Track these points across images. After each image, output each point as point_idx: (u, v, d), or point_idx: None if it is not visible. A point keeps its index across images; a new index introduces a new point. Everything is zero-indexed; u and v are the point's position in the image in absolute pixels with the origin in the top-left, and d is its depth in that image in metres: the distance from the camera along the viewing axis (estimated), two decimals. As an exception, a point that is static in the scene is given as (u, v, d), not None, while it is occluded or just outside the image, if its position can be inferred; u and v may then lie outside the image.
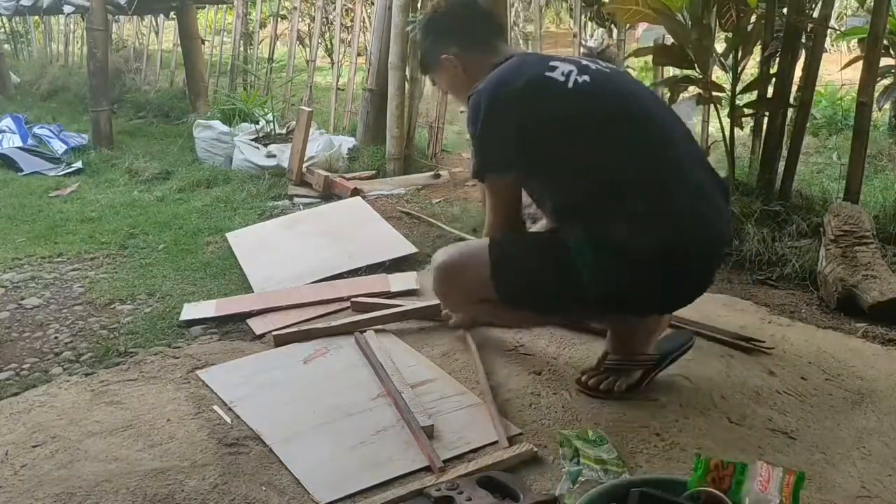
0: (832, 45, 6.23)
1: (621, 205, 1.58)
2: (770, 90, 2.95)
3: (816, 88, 3.23)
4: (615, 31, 5.69)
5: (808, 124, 3.34)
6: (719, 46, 3.00)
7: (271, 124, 4.61)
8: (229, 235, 3.12)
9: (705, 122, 3.77)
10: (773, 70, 2.98)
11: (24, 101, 7.09)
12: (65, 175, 4.45)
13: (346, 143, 4.42)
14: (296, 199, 3.78)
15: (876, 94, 3.12)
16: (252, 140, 4.45)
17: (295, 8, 5.83)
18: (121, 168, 4.48)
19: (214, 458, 1.57)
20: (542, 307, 1.77)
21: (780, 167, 2.94)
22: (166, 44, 8.12)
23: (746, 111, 3.05)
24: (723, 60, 2.93)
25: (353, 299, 2.36)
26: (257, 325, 2.27)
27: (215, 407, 1.78)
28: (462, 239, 2.98)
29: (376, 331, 2.15)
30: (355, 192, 3.67)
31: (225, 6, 6.62)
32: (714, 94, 2.97)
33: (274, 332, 2.15)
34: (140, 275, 2.76)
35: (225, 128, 4.65)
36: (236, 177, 4.16)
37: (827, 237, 2.46)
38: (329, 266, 2.71)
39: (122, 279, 2.72)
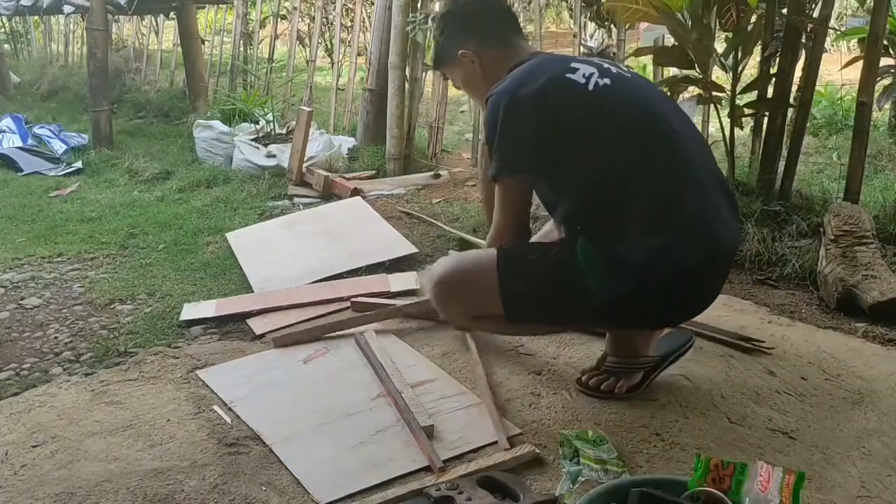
0: (832, 45, 6.23)
1: (633, 218, 1.56)
2: (770, 90, 2.95)
3: (816, 88, 3.23)
4: (615, 31, 5.69)
5: (808, 124, 3.34)
6: (719, 46, 3.00)
7: (271, 124, 4.61)
8: (229, 235, 3.12)
9: (705, 122, 3.77)
10: (773, 70, 2.98)
11: (24, 101, 7.09)
12: (65, 175, 4.45)
13: (346, 143, 4.42)
14: (296, 199, 3.78)
15: (876, 94, 3.12)
16: (252, 140, 4.45)
17: (295, 8, 5.83)
18: (121, 168, 4.48)
19: (214, 458, 1.57)
20: (549, 321, 1.74)
21: (780, 167, 2.94)
22: (166, 44, 8.12)
23: (746, 111, 3.05)
24: (723, 60, 2.93)
25: (353, 299, 2.36)
26: (257, 325, 2.27)
27: (215, 407, 1.78)
28: (462, 239, 2.98)
29: (376, 331, 2.15)
30: (355, 192, 3.67)
31: (225, 6, 6.62)
32: (714, 94, 2.97)
33: (273, 335, 2.15)
34: (140, 275, 2.76)
35: (225, 128, 4.65)
36: (236, 177, 4.16)
37: (827, 237, 2.46)
38: (329, 266, 2.71)
39: (122, 279, 2.72)
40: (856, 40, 4.64)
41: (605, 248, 1.56)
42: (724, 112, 3.01)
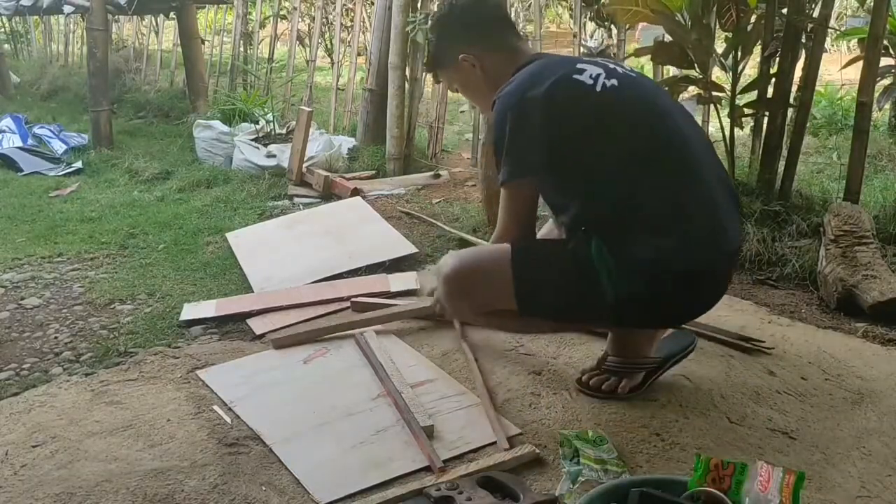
0: (832, 45, 6.24)
1: (642, 219, 1.55)
2: (770, 90, 2.95)
3: (816, 88, 3.23)
4: (615, 31, 5.69)
5: (808, 124, 3.34)
6: (719, 46, 3.00)
7: (271, 124, 4.61)
8: (229, 235, 3.12)
9: (705, 122, 3.77)
10: (773, 70, 2.98)
11: (24, 101, 7.09)
12: (65, 175, 4.45)
13: (346, 143, 4.42)
14: (296, 199, 3.78)
15: (876, 94, 3.12)
16: (252, 140, 4.45)
17: (295, 8, 5.83)
18: (121, 168, 4.48)
19: (214, 458, 1.57)
20: (560, 318, 1.73)
21: (780, 167, 2.94)
22: (166, 44, 8.12)
23: (746, 111, 3.05)
24: (723, 60, 2.93)
25: (353, 299, 2.36)
26: (257, 325, 2.27)
27: (215, 407, 1.78)
28: (463, 239, 2.98)
29: (376, 331, 2.15)
30: (355, 192, 3.67)
31: (225, 6, 6.62)
32: (714, 94, 2.97)
33: (272, 336, 2.14)
34: (140, 275, 2.76)
35: (225, 128, 4.65)
36: (236, 177, 4.16)
37: (827, 237, 2.46)
38: (329, 266, 2.71)
39: (122, 279, 2.72)
40: (856, 40, 4.64)
41: (616, 248, 1.56)
42: (724, 112, 3.01)
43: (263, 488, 1.48)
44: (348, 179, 3.88)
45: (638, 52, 3.35)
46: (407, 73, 4.11)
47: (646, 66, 5.54)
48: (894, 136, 4.56)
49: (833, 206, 2.57)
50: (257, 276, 2.69)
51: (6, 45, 9.30)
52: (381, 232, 3.05)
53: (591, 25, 6.97)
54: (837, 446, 1.60)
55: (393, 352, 2.03)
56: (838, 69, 4.52)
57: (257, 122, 4.68)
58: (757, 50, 3.00)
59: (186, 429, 1.69)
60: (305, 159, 4.04)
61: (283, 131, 4.57)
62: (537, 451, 1.56)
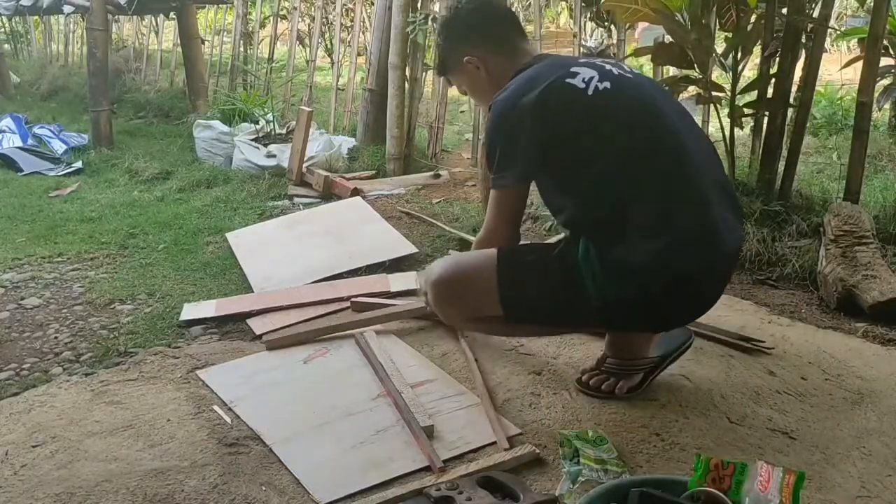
0: (832, 45, 6.23)
1: (635, 222, 1.55)
2: (770, 90, 2.95)
3: (816, 88, 3.23)
4: (615, 31, 5.69)
5: (808, 124, 3.34)
6: (719, 46, 3.00)
7: (271, 124, 4.61)
8: (229, 235, 3.12)
9: (705, 122, 3.77)
10: (773, 70, 2.98)
11: (24, 101, 7.09)
12: (65, 175, 4.45)
13: (346, 143, 4.42)
14: (296, 199, 3.78)
15: (876, 94, 3.12)
16: (252, 140, 4.45)
17: (295, 8, 5.83)
18: (121, 168, 4.48)
19: (214, 458, 1.57)
20: (547, 323, 1.74)
21: (780, 167, 2.94)
22: (166, 44, 8.12)
23: (746, 111, 3.05)
24: (723, 60, 2.93)
25: (353, 299, 2.37)
26: (257, 325, 2.27)
27: (215, 407, 1.78)
28: (462, 239, 2.98)
29: (376, 331, 2.15)
30: (355, 192, 3.67)
31: (225, 6, 6.62)
32: (714, 94, 2.97)
33: (266, 338, 2.14)
34: (140, 275, 2.76)
35: (225, 128, 4.65)
36: (236, 177, 4.16)
37: (827, 237, 2.46)
38: (329, 266, 2.71)
39: (122, 279, 2.72)
40: (856, 40, 4.64)
41: (605, 251, 1.56)
42: (724, 112, 3.01)
43: (263, 488, 1.48)
44: (348, 179, 3.88)
45: (638, 52, 3.35)
46: (407, 73, 4.11)
47: (646, 66, 5.55)
48: (894, 136, 4.56)
49: (833, 206, 2.57)
50: (257, 276, 2.69)
51: (6, 45, 9.30)
52: (381, 232, 3.06)
53: (590, 25, 6.97)
54: (837, 446, 1.60)
55: (393, 352, 2.03)
56: (838, 69, 4.52)
57: (257, 122, 4.68)
58: (757, 50, 3.00)
59: (186, 429, 1.69)
60: (305, 159, 4.04)
61: (283, 131, 4.57)
62: (537, 451, 1.56)
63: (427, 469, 1.53)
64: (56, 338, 2.26)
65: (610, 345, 1.81)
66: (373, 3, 4.81)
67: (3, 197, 3.95)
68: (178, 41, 6.43)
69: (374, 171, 4.14)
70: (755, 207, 2.76)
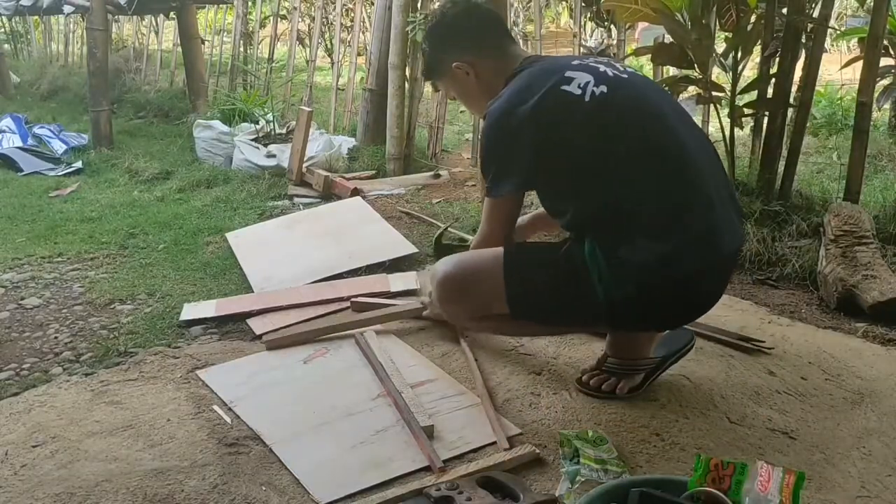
0: (832, 45, 6.24)
1: (637, 224, 1.55)
2: (770, 90, 2.95)
3: (816, 88, 3.23)
4: (615, 31, 5.69)
5: (808, 124, 3.34)
6: (719, 46, 3.00)
7: (271, 124, 4.61)
8: (229, 235, 3.12)
9: (705, 121, 3.77)
10: (773, 70, 2.98)
11: (24, 101, 7.09)
12: (65, 175, 4.45)
13: (346, 143, 4.42)
14: (296, 199, 3.78)
15: (876, 94, 3.12)
16: (252, 140, 4.45)
17: (295, 8, 5.83)
18: (121, 168, 4.48)
19: (214, 458, 1.57)
20: (553, 321, 1.74)
21: (780, 167, 2.94)
22: (166, 44, 8.12)
23: (746, 111, 3.05)
24: (723, 60, 2.93)
25: (352, 299, 2.37)
26: (257, 325, 2.27)
27: (215, 407, 1.78)
28: (462, 239, 2.98)
29: (376, 331, 2.15)
30: (355, 192, 3.67)
31: (225, 6, 6.62)
32: (714, 94, 2.97)
33: (265, 338, 2.14)
34: (140, 275, 2.76)
35: (225, 128, 4.65)
36: (236, 177, 4.16)
37: (827, 237, 2.46)
38: (329, 266, 2.71)
39: (122, 279, 2.72)
40: (856, 40, 4.64)
41: (610, 251, 1.56)
42: (724, 112, 3.01)
43: (263, 488, 1.48)
44: (348, 179, 3.88)
45: (638, 52, 3.35)
46: (407, 73, 4.12)
47: (646, 66, 5.55)
48: (894, 136, 4.56)
49: (833, 206, 2.57)
50: (257, 276, 2.69)
51: (6, 45, 9.30)
52: (381, 232, 3.06)
53: (590, 25, 6.98)
54: (837, 446, 1.61)
55: (393, 352, 2.03)
56: (838, 69, 4.52)
57: (257, 122, 4.68)
58: (757, 50, 3.00)
59: (186, 429, 1.69)
60: (305, 159, 4.04)
61: (283, 131, 4.57)
62: (537, 451, 1.56)
63: (427, 469, 1.53)
64: (56, 338, 2.26)
65: (611, 344, 1.80)
66: (373, 3, 4.81)
67: (3, 197, 3.95)
68: (178, 41, 6.43)
69: (374, 171, 4.14)
70: (755, 207, 2.76)
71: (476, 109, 1.92)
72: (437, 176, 4.08)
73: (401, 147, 4.14)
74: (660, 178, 1.58)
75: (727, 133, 3.00)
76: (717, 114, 3.06)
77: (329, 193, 3.77)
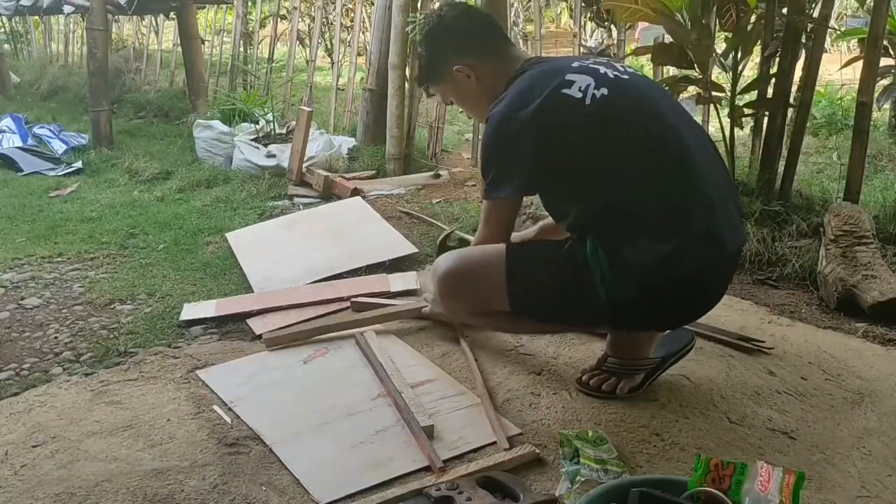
0: (832, 46, 6.24)
1: (638, 225, 1.55)
2: (770, 90, 2.95)
3: (816, 88, 3.23)
4: (615, 31, 5.69)
5: (808, 124, 3.34)
6: (719, 46, 3.00)
7: (271, 124, 4.61)
8: (229, 235, 3.12)
9: (705, 121, 3.77)
10: (773, 70, 2.98)
11: (24, 101, 7.10)
12: (65, 175, 4.45)
13: (346, 143, 4.42)
14: (296, 199, 3.78)
15: (876, 94, 3.12)
16: (252, 140, 4.45)
17: (295, 8, 5.83)
18: (121, 168, 4.48)
19: (214, 458, 1.57)
20: (555, 319, 1.74)
21: (780, 167, 2.94)
22: (166, 44, 8.12)
23: (746, 111, 3.05)
24: (723, 60, 2.93)
25: (353, 299, 2.37)
26: (257, 325, 2.27)
27: (215, 407, 1.78)
28: (462, 239, 2.98)
29: (376, 331, 2.15)
30: (355, 192, 3.67)
31: (225, 6, 6.62)
32: (714, 94, 2.97)
33: (265, 336, 2.14)
34: (140, 275, 2.76)
35: (225, 128, 4.65)
36: (236, 177, 4.16)
37: (827, 237, 2.46)
38: (329, 266, 2.71)
39: (122, 279, 2.72)
40: (856, 40, 4.64)
41: (613, 251, 1.56)
42: (724, 112, 3.01)
43: (263, 488, 1.48)
44: (348, 179, 3.88)
45: (637, 52, 3.35)
46: (407, 73, 4.11)
47: (645, 66, 5.55)
48: (894, 136, 4.56)
49: (833, 206, 2.57)
50: (257, 276, 2.69)
51: (6, 45, 9.30)
52: (381, 232, 3.06)
53: (590, 25, 6.98)
54: (837, 446, 1.61)
55: (393, 352, 2.03)
56: (838, 69, 4.52)
57: (257, 122, 4.68)
58: (757, 50, 3.00)
59: (186, 429, 1.69)
60: (305, 159, 4.04)
61: (283, 131, 4.57)
62: (537, 451, 1.56)
63: (427, 469, 1.53)
64: (56, 338, 2.26)
65: (612, 344, 1.80)
66: (373, 3, 4.81)
67: (3, 197, 3.95)
68: (178, 41, 6.43)
69: (374, 171, 4.14)
70: (755, 207, 2.76)
71: (476, 113, 1.92)
72: (437, 176, 4.08)
73: (401, 147, 4.14)
74: (660, 179, 1.58)
75: (727, 133, 3.00)
76: (717, 114, 3.06)
77: (329, 193, 3.77)
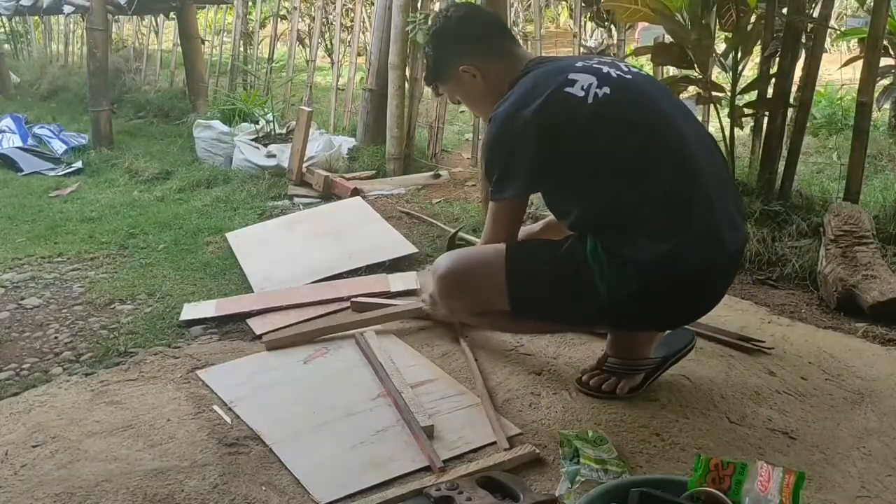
0: (832, 45, 6.24)
1: (640, 224, 1.55)
2: (770, 90, 2.95)
3: (816, 88, 3.23)
4: (615, 31, 5.69)
5: (808, 124, 3.34)
6: (719, 46, 3.00)
7: (271, 124, 4.61)
8: (229, 235, 3.12)
9: (705, 121, 3.77)
10: (773, 70, 2.98)
11: (24, 101, 7.10)
12: (65, 175, 4.45)
13: (346, 143, 4.43)
14: (296, 199, 3.78)
15: (876, 94, 3.12)
16: (252, 140, 4.45)
17: (295, 8, 5.83)
18: (121, 168, 4.49)
19: (214, 458, 1.57)
20: (555, 319, 1.75)
21: (780, 167, 2.94)
22: (166, 44, 8.12)
23: (746, 111, 3.05)
24: (723, 60, 2.93)
25: (353, 299, 2.37)
26: (257, 325, 2.27)
27: (215, 407, 1.78)
28: (462, 238, 2.98)
29: (376, 331, 2.15)
30: (355, 192, 3.67)
31: (225, 6, 6.62)
32: (714, 94, 2.97)
33: (266, 338, 2.14)
34: (140, 275, 2.76)
35: (225, 128, 4.65)
36: (236, 177, 4.16)
37: (827, 237, 2.46)
38: (329, 266, 2.71)
39: (122, 279, 2.72)
40: (856, 40, 4.64)
41: (612, 251, 1.56)
42: (724, 112, 3.01)
43: (263, 488, 1.48)
44: (348, 179, 3.88)
45: (637, 52, 3.35)
46: (407, 73, 4.12)
47: (646, 66, 5.54)
48: (894, 136, 4.56)
49: (833, 206, 2.57)
50: (257, 276, 2.69)
51: (6, 45, 9.30)
52: (381, 232, 3.06)
53: (590, 25, 6.98)
54: (837, 446, 1.61)
55: (393, 352, 2.03)
56: (838, 69, 4.52)
57: (257, 122, 4.68)
58: (757, 50, 3.00)
59: (186, 429, 1.69)
60: (305, 159, 4.04)
61: (283, 131, 4.57)
62: (537, 451, 1.56)
63: (427, 469, 1.53)
64: (56, 338, 2.26)
65: (612, 344, 1.80)
66: (373, 3, 4.81)
67: (3, 197, 3.95)
68: (178, 41, 6.43)
69: (374, 171, 4.14)
70: (755, 207, 2.77)
71: (482, 112, 1.92)
72: (437, 176, 4.08)
73: (401, 147, 4.14)
74: (661, 178, 1.58)
75: (727, 133, 3.00)
76: (717, 114, 3.06)
77: (329, 193, 3.77)
